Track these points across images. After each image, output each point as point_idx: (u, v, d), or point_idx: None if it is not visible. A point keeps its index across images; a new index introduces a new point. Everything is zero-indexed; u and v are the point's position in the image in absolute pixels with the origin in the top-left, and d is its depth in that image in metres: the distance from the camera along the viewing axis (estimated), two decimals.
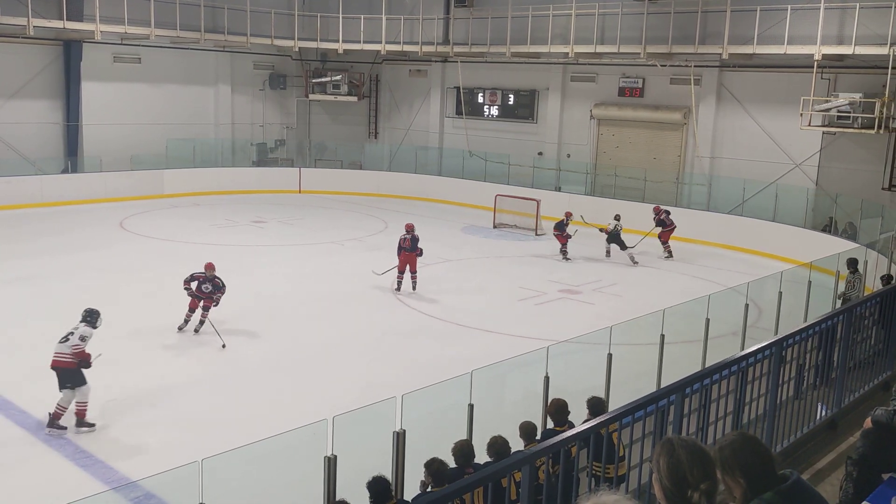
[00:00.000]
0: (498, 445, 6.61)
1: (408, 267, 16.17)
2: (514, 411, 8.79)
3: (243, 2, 26.93)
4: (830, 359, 7.69)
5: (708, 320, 11.08)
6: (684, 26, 22.96)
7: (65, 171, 25.58)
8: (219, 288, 13.19)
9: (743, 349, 8.14)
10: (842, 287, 13.92)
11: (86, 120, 26.00)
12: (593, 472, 5.48)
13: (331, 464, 6.24)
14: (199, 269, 13.33)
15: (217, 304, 13.22)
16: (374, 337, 13.63)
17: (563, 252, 19.90)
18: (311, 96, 31.08)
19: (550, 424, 7.60)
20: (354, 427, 6.80)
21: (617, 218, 20.29)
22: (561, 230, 19.94)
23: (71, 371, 9.65)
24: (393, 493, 6.21)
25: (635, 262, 19.76)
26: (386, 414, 6.85)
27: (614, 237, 19.99)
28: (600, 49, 24.35)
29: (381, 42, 28.44)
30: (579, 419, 7.84)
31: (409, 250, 16.09)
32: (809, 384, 7.60)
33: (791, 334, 6.80)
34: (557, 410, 7.47)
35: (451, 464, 6.41)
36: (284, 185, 28.44)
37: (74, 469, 8.67)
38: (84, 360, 9.71)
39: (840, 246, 17.79)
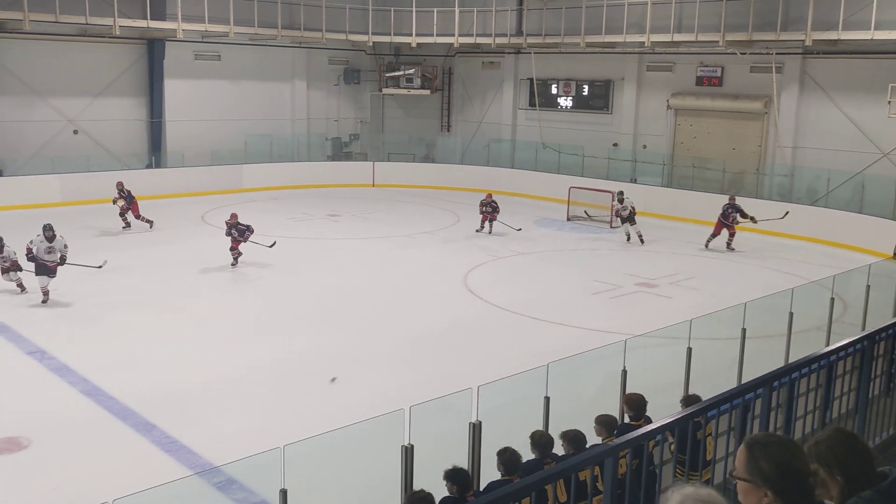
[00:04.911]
0: (572, 437, 6.56)
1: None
2: (590, 405, 8.71)
3: None
4: None
5: (791, 314, 10.76)
6: (765, 12, 22.27)
7: (149, 166, 26.39)
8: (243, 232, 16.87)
9: (828, 345, 7.89)
10: None
11: (168, 116, 26.79)
12: (677, 471, 5.39)
13: (408, 453, 6.30)
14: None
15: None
16: (448, 328, 13.67)
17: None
18: (385, 90, 31.30)
19: (627, 419, 7.51)
20: (430, 417, 6.84)
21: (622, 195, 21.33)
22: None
23: (55, 269, 14.51)
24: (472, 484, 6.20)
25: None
26: (462, 405, 6.87)
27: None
28: (677, 37, 23.83)
29: (454, 35, 28.46)
30: (655, 414, 7.73)
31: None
32: None
33: (884, 328, 6.55)
34: (634, 405, 7.36)
35: (527, 454, 6.37)
36: (359, 179, 28.74)
37: (160, 453, 8.95)
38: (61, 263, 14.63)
39: None
